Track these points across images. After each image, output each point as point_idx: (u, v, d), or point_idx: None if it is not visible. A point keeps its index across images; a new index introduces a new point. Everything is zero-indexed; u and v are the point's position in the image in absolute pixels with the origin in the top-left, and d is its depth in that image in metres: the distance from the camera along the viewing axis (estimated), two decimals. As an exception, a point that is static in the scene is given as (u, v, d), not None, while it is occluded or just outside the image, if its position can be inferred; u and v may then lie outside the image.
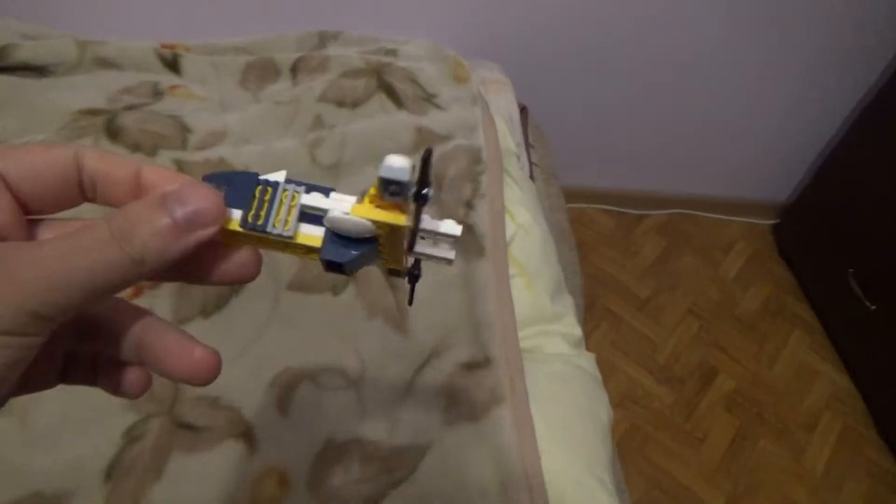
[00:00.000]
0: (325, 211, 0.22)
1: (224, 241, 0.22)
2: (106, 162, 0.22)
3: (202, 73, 0.81)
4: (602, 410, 0.59)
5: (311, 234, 0.23)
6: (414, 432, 0.54)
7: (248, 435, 0.54)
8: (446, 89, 0.79)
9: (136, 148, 0.67)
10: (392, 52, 0.84)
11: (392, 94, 0.77)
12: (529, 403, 0.55)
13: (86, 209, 0.23)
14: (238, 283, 0.23)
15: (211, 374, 0.23)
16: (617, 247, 1.55)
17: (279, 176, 0.23)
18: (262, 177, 0.22)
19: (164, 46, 0.88)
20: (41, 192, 0.21)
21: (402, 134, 0.73)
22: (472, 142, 0.74)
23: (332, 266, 0.23)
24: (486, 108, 0.79)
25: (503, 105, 0.91)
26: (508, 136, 0.80)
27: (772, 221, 1.66)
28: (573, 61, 1.32)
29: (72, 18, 1.04)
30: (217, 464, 0.53)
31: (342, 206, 0.22)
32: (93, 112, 0.70)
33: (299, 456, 0.53)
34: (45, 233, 0.23)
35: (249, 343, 0.59)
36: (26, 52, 0.76)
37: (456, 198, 0.69)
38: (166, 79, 0.78)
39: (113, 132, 0.68)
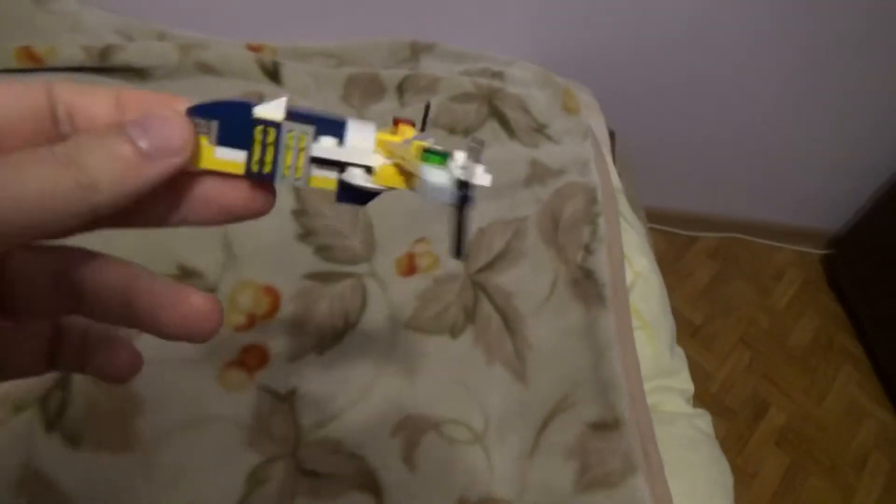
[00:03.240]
0: (341, 166, 0.20)
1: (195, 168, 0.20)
2: (82, 92, 0.20)
3: (303, 85, 0.79)
4: (728, 479, 0.57)
5: (325, 177, 0.21)
6: (546, 494, 0.53)
7: (375, 486, 0.52)
8: (557, 120, 0.77)
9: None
10: (498, 75, 0.81)
11: (504, 122, 0.74)
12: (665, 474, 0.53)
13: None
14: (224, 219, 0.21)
15: (212, 324, 0.20)
16: (670, 269, 1.53)
17: (278, 108, 0.20)
18: (257, 108, 0.19)
19: (251, 48, 0.85)
20: (9, 129, 0.19)
21: (517, 166, 0.71)
22: (586, 179, 0.72)
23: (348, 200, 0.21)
24: (596, 143, 0.77)
25: (595, 131, 0.89)
26: (614, 173, 0.78)
27: (823, 251, 1.64)
28: (643, 83, 1.29)
29: (155, 9, 1.01)
30: (345, 516, 0.51)
31: (360, 155, 0.20)
32: (203, 125, 0.68)
33: (431, 514, 0.51)
34: None
35: (368, 385, 0.58)
36: (129, 55, 0.73)
37: (574, 240, 0.67)
38: (268, 89, 0.76)
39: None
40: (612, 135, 0.97)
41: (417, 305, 0.62)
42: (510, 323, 0.62)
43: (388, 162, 0.21)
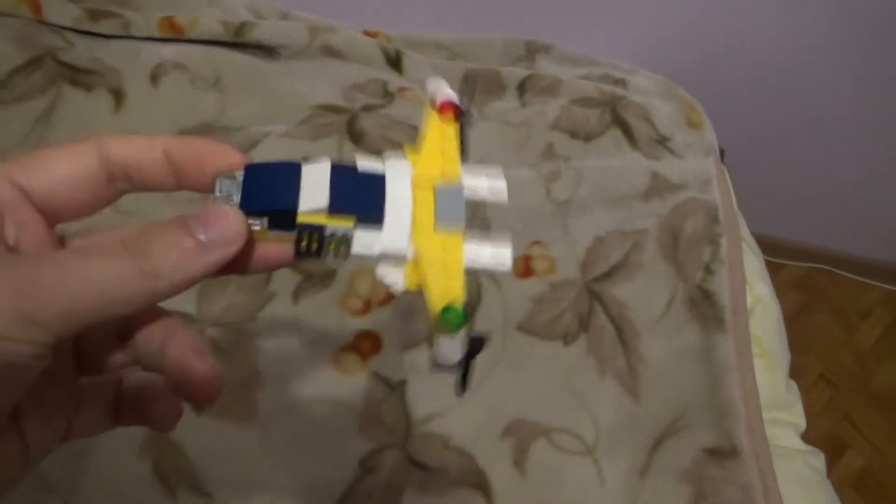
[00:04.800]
0: (376, 260, 0.22)
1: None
2: (133, 147, 0.21)
3: (423, 76, 0.79)
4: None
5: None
6: (657, 518, 0.52)
7: (484, 487, 0.52)
8: (680, 134, 0.75)
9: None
10: (621, 83, 0.79)
11: (627, 131, 0.73)
12: (785, 511, 0.51)
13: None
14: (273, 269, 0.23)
15: (210, 395, 0.22)
16: (752, 295, 1.48)
17: (322, 182, 0.21)
18: (301, 210, 0.21)
19: (366, 33, 0.86)
20: (68, 198, 0.21)
21: (637, 177, 0.70)
22: (707, 197, 0.69)
23: None
24: (718, 161, 0.75)
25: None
26: (733, 194, 0.76)
27: (914, 292, 1.57)
28: (746, 100, 1.26)
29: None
30: (453, 513, 0.51)
31: (395, 256, 0.21)
32: (332, 109, 0.68)
33: (541, 523, 0.51)
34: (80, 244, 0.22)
35: (477, 383, 0.57)
36: (261, 32, 0.74)
37: (694, 259, 0.65)
38: (392, 79, 0.76)
39: (355, 135, 0.66)
40: (721, 152, 0.94)
41: (531, 309, 0.61)
42: (624, 336, 0.61)
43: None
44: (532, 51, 0.90)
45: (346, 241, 0.21)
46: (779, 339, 0.63)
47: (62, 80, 0.64)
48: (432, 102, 0.24)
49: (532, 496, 0.52)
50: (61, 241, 0.22)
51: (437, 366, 0.21)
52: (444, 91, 0.24)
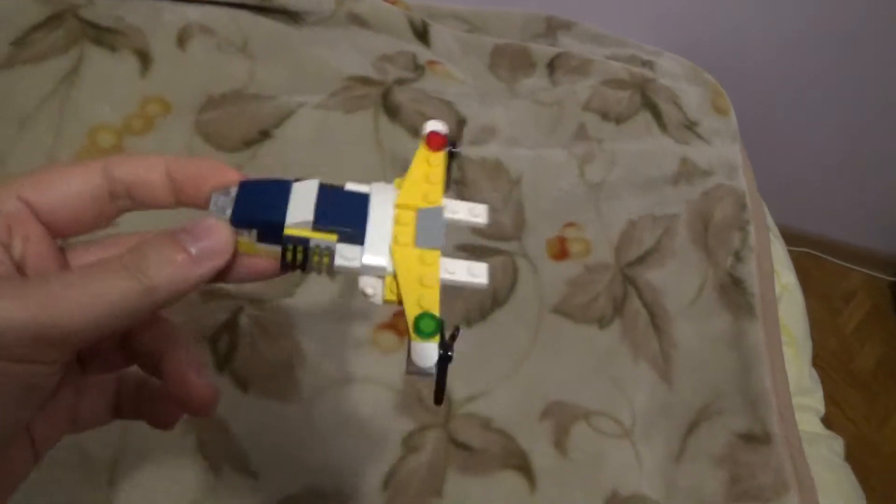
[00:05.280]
0: (358, 272, 0.23)
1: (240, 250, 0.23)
2: (136, 166, 0.23)
3: (449, 50, 0.77)
4: (865, 506, 0.57)
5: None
6: (695, 500, 0.53)
7: (526, 469, 0.52)
8: (707, 119, 0.75)
9: (413, 131, 0.64)
10: (648, 65, 0.79)
11: (657, 114, 0.73)
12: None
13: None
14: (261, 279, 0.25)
15: (207, 409, 0.23)
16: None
17: (308, 199, 0.23)
18: (288, 224, 0.22)
19: (387, 0, 0.83)
20: (72, 215, 0.22)
21: (667, 162, 0.70)
22: (734, 183, 0.70)
23: None
24: (743, 148, 0.75)
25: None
26: (754, 181, 0.77)
27: (893, 278, 1.62)
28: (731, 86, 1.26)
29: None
30: (497, 493, 0.51)
31: (374, 270, 0.23)
32: (365, 81, 0.67)
33: (584, 503, 0.51)
34: (82, 258, 0.24)
35: (515, 364, 0.57)
36: (289, -3, 0.71)
37: (724, 245, 0.65)
38: (420, 51, 0.74)
39: (391, 109, 0.64)
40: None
41: (567, 291, 0.61)
42: (657, 321, 0.61)
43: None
44: (553, 27, 0.89)
45: (329, 254, 0.23)
46: (803, 327, 0.64)
47: (85, 39, 0.61)
48: (422, 135, 0.26)
49: (574, 478, 0.52)
50: (63, 254, 0.23)
51: (411, 370, 0.21)
52: (433, 123, 0.26)
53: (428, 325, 0.21)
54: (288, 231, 0.22)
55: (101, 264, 0.20)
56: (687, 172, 0.70)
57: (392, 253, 0.23)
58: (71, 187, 0.22)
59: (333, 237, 0.22)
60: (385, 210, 0.23)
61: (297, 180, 0.23)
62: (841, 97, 1.29)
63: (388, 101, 0.65)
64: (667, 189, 0.69)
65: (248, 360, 0.51)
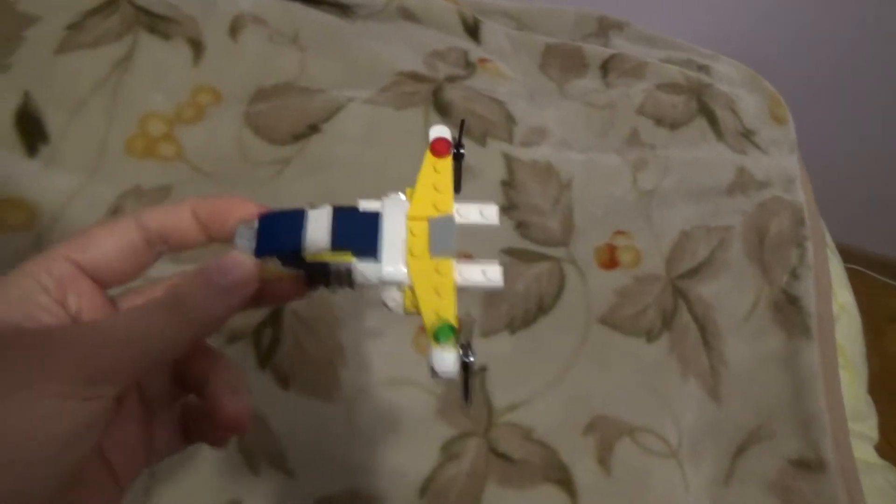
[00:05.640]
0: (378, 287, 0.24)
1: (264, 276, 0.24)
2: (166, 217, 0.25)
3: (500, 48, 0.76)
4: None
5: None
6: (743, 527, 0.51)
7: (568, 484, 0.51)
8: (765, 128, 0.72)
9: (465, 131, 0.62)
10: (705, 69, 0.76)
11: (713, 121, 0.70)
12: (873, 529, 0.50)
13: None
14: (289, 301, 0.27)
15: (240, 432, 0.25)
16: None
17: (324, 224, 0.24)
18: (307, 249, 0.24)
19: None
20: (115, 267, 0.24)
21: (722, 171, 0.67)
22: (792, 197, 0.67)
23: None
24: (802, 161, 0.72)
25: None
26: (812, 195, 0.74)
27: (942, 299, 1.56)
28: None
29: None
30: (537, 507, 0.50)
31: (392, 282, 0.24)
32: (415, 77, 0.65)
33: (627, 523, 0.50)
34: (132, 302, 0.26)
35: (559, 374, 0.56)
36: (339, -11, 0.71)
37: (780, 261, 0.63)
38: (471, 48, 0.73)
39: (441, 107, 0.63)
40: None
41: (615, 302, 0.59)
42: (707, 336, 0.59)
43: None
44: (605, 27, 0.86)
45: (348, 273, 0.24)
46: (860, 350, 0.62)
47: (139, 26, 0.61)
48: (429, 143, 0.27)
49: (618, 496, 0.51)
50: (113, 302, 0.25)
51: (435, 376, 0.22)
52: (438, 129, 0.27)
53: (444, 332, 0.22)
54: (308, 257, 0.24)
55: (143, 305, 0.22)
56: (743, 183, 0.67)
57: (408, 266, 0.24)
58: (111, 244, 0.24)
59: (350, 258, 0.24)
60: (398, 223, 0.25)
61: (310, 205, 0.25)
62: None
63: (439, 98, 0.64)
64: (721, 199, 0.67)
65: (290, 356, 0.50)
